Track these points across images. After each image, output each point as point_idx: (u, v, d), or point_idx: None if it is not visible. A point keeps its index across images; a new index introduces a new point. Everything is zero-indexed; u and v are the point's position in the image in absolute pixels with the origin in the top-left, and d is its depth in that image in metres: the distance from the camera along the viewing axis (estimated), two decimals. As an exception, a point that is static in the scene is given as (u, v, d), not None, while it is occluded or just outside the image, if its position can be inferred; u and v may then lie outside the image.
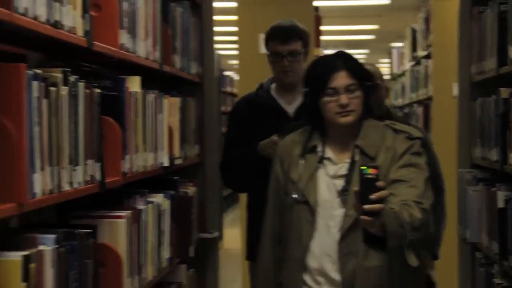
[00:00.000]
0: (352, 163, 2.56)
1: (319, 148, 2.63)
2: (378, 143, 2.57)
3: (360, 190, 2.29)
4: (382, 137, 2.58)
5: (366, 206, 2.27)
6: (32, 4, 1.85)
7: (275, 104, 3.46)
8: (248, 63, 5.55)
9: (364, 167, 2.28)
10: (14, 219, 2.19)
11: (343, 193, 2.54)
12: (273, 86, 3.51)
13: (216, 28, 4.17)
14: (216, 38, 4.26)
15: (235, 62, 12.77)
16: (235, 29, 5.98)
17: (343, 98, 2.54)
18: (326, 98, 2.55)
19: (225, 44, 12.89)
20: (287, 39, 3.36)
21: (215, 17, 4.15)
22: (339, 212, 2.54)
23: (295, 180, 2.60)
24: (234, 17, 6.35)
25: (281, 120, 3.32)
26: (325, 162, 2.61)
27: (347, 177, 2.55)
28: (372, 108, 2.67)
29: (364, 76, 2.61)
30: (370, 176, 2.27)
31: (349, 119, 2.56)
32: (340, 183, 2.56)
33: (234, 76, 14.16)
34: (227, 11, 8.16)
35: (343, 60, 2.59)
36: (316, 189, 2.57)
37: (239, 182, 3.58)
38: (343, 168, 2.58)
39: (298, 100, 3.38)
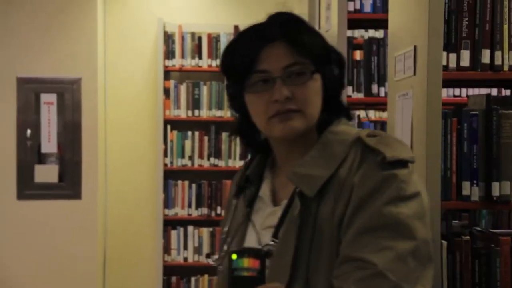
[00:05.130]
0: (288, 206, 1.50)
1: (254, 183, 1.63)
2: (327, 173, 1.47)
3: None
4: (339, 161, 1.48)
5: None
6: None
7: None
8: None
9: (235, 256, 1.25)
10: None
11: (268, 257, 1.43)
12: None
13: None
14: None
15: None
16: None
17: (280, 89, 1.48)
18: (251, 91, 1.51)
19: None
20: None
21: None
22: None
23: (223, 234, 1.64)
24: None
25: None
26: (258, 204, 1.61)
27: (277, 230, 1.50)
28: (342, 107, 1.59)
29: (321, 52, 1.52)
30: (245, 274, 1.23)
31: (293, 125, 1.49)
32: (268, 238, 1.52)
33: None
34: None
35: (279, 26, 1.51)
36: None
37: None
38: (275, 215, 1.54)
39: None
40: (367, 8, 3.82)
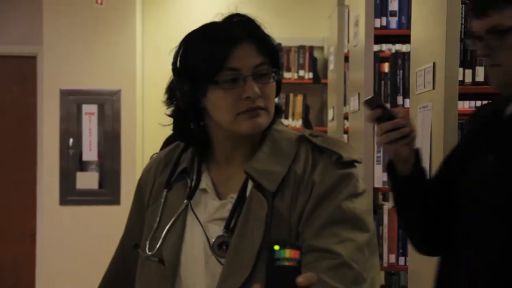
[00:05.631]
0: (240, 200, 1.56)
1: (193, 174, 1.64)
2: (284, 169, 1.54)
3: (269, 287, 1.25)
4: (292, 158, 1.56)
5: None
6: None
7: None
8: None
9: (277, 247, 1.25)
10: None
11: (219, 249, 1.54)
12: None
13: None
14: None
15: None
16: None
17: (253, 87, 1.53)
18: (221, 88, 1.54)
19: None
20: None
21: None
22: (213, 278, 1.55)
23: (151, 224, 1.63)
24: None
25: None
26: (199, 196, 1.62)
27: (229, 223, 1.55)
28: (280, 108, 1.65)
29: (276, 54, 1.60)
30: (287, 264, 1.25)
31: (260, 122, 1.55)
32: (217, 231, 1.56)
33: None
34: None
35: (245, 27, 1.57)
36: (180, 242, 1.59)
37: None
38: (225, 208, 1.58)
39: None
40: (393, 25, 4.04)
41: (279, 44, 1.45)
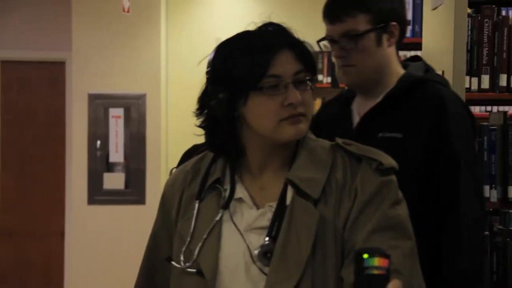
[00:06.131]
0: (280, 209, 1.55)
1: (226, 184, 1.62)
2: (324, 176, 1.55)
3: None
4: (330, 165, 1.57)
5: None
6: None
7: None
8: None
9: (366, 255, 1.25)
10: None
11: (263, 257, 1.53)
12: None
13: None
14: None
15: None
16: None
17: (295, 94, 1.54)
18: (265, 94, 1.53)
19: None
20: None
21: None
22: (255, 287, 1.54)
23: (184, 236, 1.61)
24: None
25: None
26: (234, 206, 1.60)
27: (271, 231, 1.54)
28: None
29: (313, 63, 1.60)
30: (376, 272, 1.26)
31: (302, 128, 1.56)
32: (257, 240, 1.55)
33: None
34: None
35: (283, 35, 1.59)
36: (217, 252, 1.57)
37: None
38: (264, 216, 1.57)
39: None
40: (407, 33, 4.24)
41: (314, 52, 1.56)
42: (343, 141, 1.60)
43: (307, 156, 1.58)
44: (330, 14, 2.12)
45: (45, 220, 6.37)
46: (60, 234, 6.30)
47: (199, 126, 1.64)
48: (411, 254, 1.50)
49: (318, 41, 2.14)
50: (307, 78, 1.56)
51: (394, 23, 2.11)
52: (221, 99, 1.56)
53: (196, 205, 1.61)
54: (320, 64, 6.46)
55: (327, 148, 1.60)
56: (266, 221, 1.55)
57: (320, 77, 6.46)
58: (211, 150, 1.67)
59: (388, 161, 1.55)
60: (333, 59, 2.15)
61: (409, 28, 4.25)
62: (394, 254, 1.35)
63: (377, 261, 1.24)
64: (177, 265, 1.59)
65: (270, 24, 1.61)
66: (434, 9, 3.04)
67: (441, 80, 2.22)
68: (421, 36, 4.17)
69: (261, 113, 1.54)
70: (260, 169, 1.61)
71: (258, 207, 1.59)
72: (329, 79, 6.45)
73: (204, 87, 1.63)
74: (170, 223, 1.66)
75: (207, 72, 1.62)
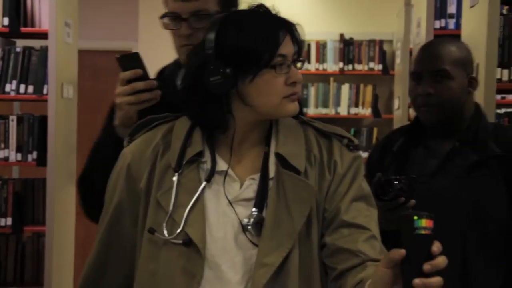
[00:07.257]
0: (264, 180, 1.61)
1: (206, 157, 1.65)
2: (303, 151, 1.64)
3: (409, 255, 1.35)
4: (304, 140, 1.67)
5: (428, 280, 1.33)
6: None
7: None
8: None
9: (416, 217, 1.35)
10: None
11: (254, 227, 1.58)
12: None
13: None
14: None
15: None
16: None
17: (297, 73, 1.62)
18: (276, 72, 1.58)
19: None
20: None
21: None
22: (243, 257, 1.59)
23: (166, 208, 1.60)
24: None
25: None
26: (217, 179, 1.63)
27: (259, 202, 1.60)
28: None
29: (302, 46, 1.66)
30: (423, 232, 1.35)
31: (297, 105, 1.65)
32: (243, 211, 1.60)
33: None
34: None
35: (283, 19, 1.64)
36: (204, 222, 1.59)
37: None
38: (249, 189, 1.62)
39: None
40: (451, 26, 4.54)
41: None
42: (308, 118, 1.72)
43: (287, 132, 1.65)
44: None
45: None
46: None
47: (185, 103, 1.65)
48: (377, 221, 1.65)
49: (161, 17, 2.09)
50: (301, 59, 1.63)
51: None
52: (227, 74, 1.56)
53: (175, 177, 1.61)
54: (372, 52, 6.78)
55: (297, 124, 1.69)
56: (251, 193, 1.61)
57: (371, 64, 6.79)
58: (202, 125, 1.65)
59: (354, 138, 1.69)
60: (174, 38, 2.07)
61: (453, 21, 4.56)
62: (369, 221, 1.60)
63: (424, 222, 1.35)
64: (162, 237, 1.58)
65: (261, 6, 1.64)
66: (471, 7, 3.37)
67: None
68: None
69: (267, 91, 1.58)
70: (240, 143, 1.65)
71: (238, 180, 1.63)
72: (380, 67, 6.76)
73: (198, 62, 1.61)
74: (137, 195, 1.64)
75: (205, 48, 1.59)
